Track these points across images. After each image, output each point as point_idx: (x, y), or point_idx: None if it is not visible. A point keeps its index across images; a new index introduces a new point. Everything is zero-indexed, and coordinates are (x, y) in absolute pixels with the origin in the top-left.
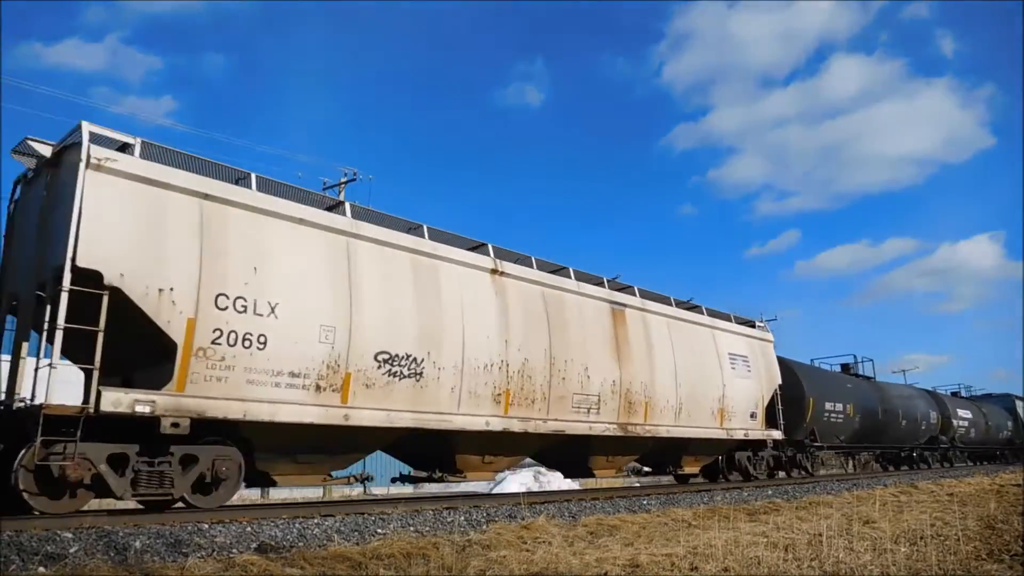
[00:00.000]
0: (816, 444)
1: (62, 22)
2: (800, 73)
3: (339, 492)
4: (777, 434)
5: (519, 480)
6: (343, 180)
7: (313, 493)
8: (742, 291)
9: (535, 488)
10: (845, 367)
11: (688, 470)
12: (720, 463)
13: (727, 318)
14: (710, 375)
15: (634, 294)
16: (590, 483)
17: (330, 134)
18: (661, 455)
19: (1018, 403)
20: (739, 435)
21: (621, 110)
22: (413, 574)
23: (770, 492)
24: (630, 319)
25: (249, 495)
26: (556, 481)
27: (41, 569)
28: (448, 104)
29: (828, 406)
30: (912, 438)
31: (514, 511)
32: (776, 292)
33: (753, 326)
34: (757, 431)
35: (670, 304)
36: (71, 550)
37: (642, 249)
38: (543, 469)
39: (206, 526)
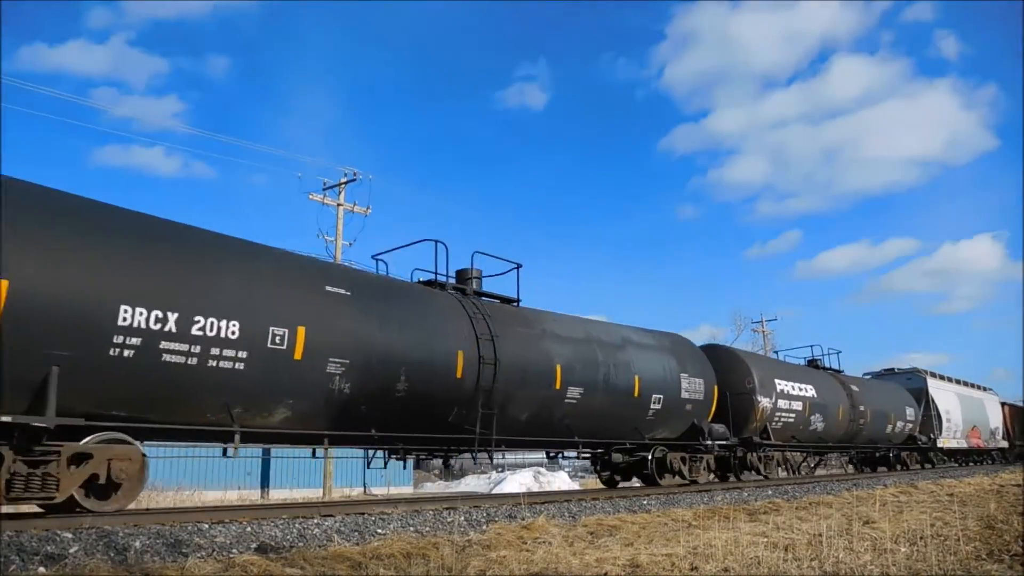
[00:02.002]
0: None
1: (66, 24)
2: (802, 74)
3: (338, 492)
4: None
5: (519, 480)
6: (343, 180)
7: (313, 493)
8: (742, 292)
9: (535, 488)
10: (462, 273)
11: None
12: None
13: None
14: None
15: None
16: (590, 483)
17: (332, 135)
18: None
19: (931, 383)
20: None
21: (622, 111)
22: (413, 574)
23: (770, 492)
24: None
25: (249, 495)
26: (556, 481)
27: (41, 569)
28: (451, 106)
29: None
30: (618, 427)
31: (514, 511)
32: (776, 293)
33: None
34: None
35: None
36: (71, 550)
37: (642, 249)
38: (543, 469)
39: (206, 526)
